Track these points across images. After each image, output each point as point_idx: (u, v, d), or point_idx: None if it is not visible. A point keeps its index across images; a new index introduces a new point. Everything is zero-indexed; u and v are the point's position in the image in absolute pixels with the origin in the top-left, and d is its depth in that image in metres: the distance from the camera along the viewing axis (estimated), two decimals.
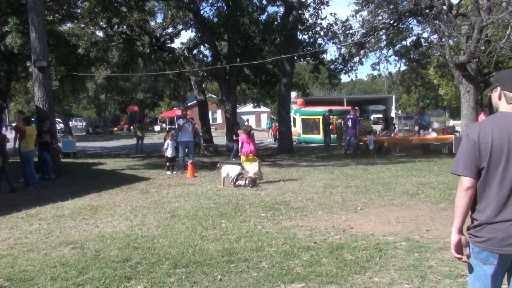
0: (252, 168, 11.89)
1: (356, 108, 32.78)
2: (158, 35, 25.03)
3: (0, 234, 7.25)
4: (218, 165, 12.32)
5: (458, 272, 4.91)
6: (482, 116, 22.59)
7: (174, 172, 14.68)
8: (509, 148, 2.64)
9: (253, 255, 5.68)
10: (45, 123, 14.42)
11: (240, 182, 11.35)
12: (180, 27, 25.30)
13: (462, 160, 2.75)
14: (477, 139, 2.69)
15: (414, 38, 22.14)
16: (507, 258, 2.66)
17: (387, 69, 26.99)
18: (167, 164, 15.10)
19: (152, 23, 25.27)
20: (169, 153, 14.98)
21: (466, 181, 2.72)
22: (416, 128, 19.40)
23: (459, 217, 2.78)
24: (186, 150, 15.56)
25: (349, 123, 19.11)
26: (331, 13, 35.10)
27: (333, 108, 25.96)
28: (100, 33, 23.69)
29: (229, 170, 11.65)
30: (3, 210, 9.08)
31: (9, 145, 12.71)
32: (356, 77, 37.89)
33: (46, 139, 13.89)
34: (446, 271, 4.96)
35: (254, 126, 36.70)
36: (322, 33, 22.56)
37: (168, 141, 15.19)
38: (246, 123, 36.45)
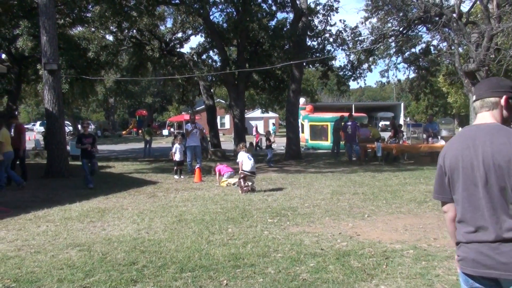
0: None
1: (364, 115, 32.81)
2: (167, 40, 25.14)
3: (8, 235, 7.30)
4: (240, 146, 12.27)
5: None
6: None
7: (182, 177, 14.70)
8: (473, 166, 2.47)
9: (260, 260, 5.68)
10: (85, 127, 13.96)
11: (243, 183, 11.33)
12: (190, 32, 25.41)
13: (435, 184, 2.74)
14: (442, 161, 2.64)
15: (423, 45, 22.09)
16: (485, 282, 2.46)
17: (396, 76, 27.00)
18: (175, 168, 15.12)
19: (162, 27, 25.46)
20: (177, 157, 15.01)
21: (443, 206, 2.72)
22: (425, 135, 19.36)
23: (452, 238, 2.75)
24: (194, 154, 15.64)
25: (349, 130, 19.17)
26: (340, 20, 35.11)
27: (344, 114, 25.89)
28: (110, 37, 23.85)
29: (243, 159, 11.55)
30: (11, 211, 9.14)
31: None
32: (365, 84, 37.77)
33: (86, 146, 12.71)
34: (454, 280, 4.92)
35: (262, 132, 36.77)
36: (331, 40, 22.56)
37: (177, 145, 15.21)
38: (254, 128, 36.49)
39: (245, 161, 11.48)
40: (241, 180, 11.37)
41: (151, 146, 24.98)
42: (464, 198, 2.52)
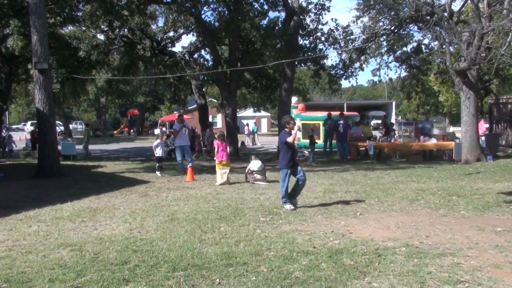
0: (220, 176, 12.81)
1: (356, 113, 32.90)
2: (159, 39, 25.08)
3: None
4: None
5: (457, 278, 4.90)
6: (482, 123, 22.60)
7: (160, 173, 14.98)
8: None
9: (252, 259, 5.67)
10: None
11: (257, 176, 12.82)
12: (181, 31, 25.40)
13: None
14: None
15: (415, 44, 22.19)
16: None
17: (387, 75, 27.12)
18: (157, 164, 15.23)
19: (153, 26, 25.39)
20: (158, 152, 15.19)
21: None
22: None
23: None
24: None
25: (340, 129, 19.23)
26: (332, 19, 35.12)
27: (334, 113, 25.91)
28: (101, 36, 23.78)
29: (251, 165, 12.99)
30: (2, 212, 9.08)
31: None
32: (357, 82, 37.85)
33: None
34: (446, 277, 4.94)
35: (254, 130, 36.69)
36: (323, 39, 22.59)
37: (158, 140, 15.44)
38: (246, 127, 36.49)
39: (253, 164, 13.05)
40: (250, 175, 12.99)
41: (88, 145, 25.42)
42: None
